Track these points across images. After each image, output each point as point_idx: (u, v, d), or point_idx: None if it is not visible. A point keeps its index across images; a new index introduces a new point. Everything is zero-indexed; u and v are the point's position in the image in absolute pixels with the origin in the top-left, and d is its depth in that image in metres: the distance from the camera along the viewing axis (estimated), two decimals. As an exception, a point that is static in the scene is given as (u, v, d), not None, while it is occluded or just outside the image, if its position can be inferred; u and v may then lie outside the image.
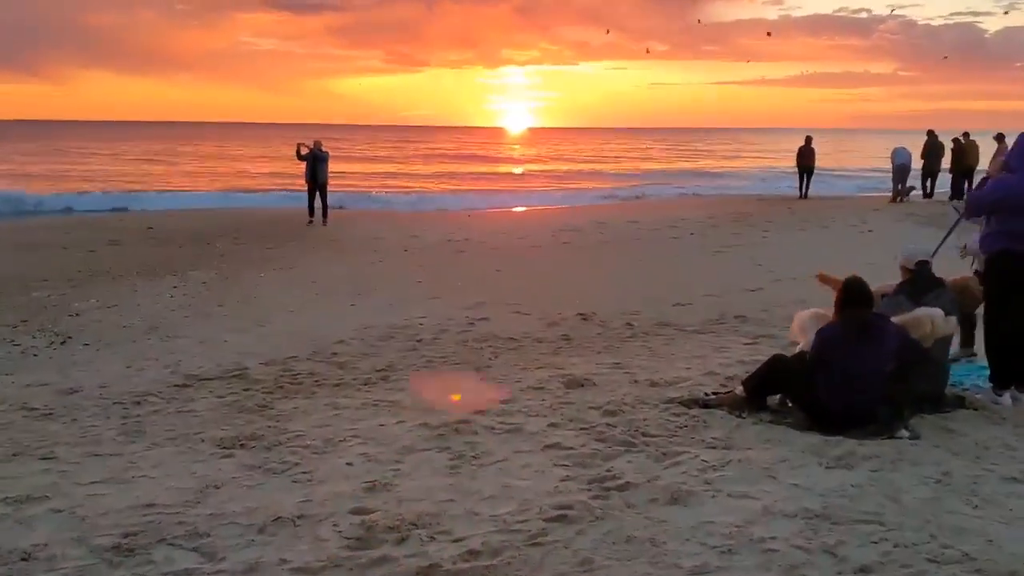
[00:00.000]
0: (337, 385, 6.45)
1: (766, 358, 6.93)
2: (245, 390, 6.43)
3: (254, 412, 5.78)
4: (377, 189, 32.83)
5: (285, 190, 28.57)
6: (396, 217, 21.62)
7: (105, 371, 7.27)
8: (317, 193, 18.45)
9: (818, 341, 5.15)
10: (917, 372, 5.15)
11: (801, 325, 5.80)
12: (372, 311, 9.48)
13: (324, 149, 18.57)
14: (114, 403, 6.14)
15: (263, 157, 53.14)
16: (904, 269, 5.58)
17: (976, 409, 5.28)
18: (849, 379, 4.98)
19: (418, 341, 7.94)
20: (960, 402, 5.34)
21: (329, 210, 18.73)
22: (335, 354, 7.48)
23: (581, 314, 9.01)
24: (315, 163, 18.21)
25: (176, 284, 11.50)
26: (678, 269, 12.31)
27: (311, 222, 18.36)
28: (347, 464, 4.55)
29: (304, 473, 4.46)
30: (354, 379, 6.60)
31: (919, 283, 5.42)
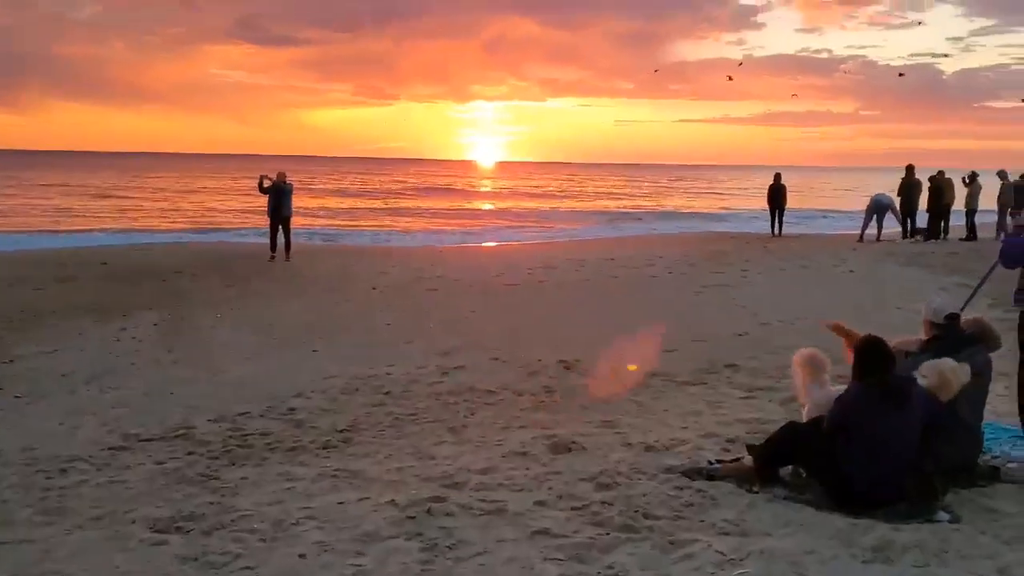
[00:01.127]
0: (292, 449, 5.74)
1: (765, 414, 6.46)
2: (188, 454, 5.71)
3: (196, 483, 5.07)
4: (344, 223, 32.12)
5: (245, 228, 27.70)
6: (364, 252, 20.93)
7: (34, 429, 6.51)
8: (280, 228, 17.70)
9: (838, 407, 4.57)
10: (943, 438, 4.58)
11: (800, 377, 5.21)
12: (335, 358, 8.76)
13: (289, 181, 17.87)
14: (37, 471, 5.40)
15: (228, 190, 52.22)
16: (930, 324, 4.99)
17: (1014, 482, 4.70)
18: (874, 450, 4.40)
19: (385, 394, 7.24)
20: (995, 474, 4.77)
21: (293, 245, 17.98)
22: (292, 410, 6.76)
23: (563, 361, 8.38)
24: (279, 196, 17.48)
25: (125, 326, 10.69)
26: (660, 310, 11.73)
27: (273, 258, 17.58)
28: (299, 556, 3.86)
29: (247, 569, 3.76)
30: (312, 441, 5.89)
31: (949, 341, 4.83)
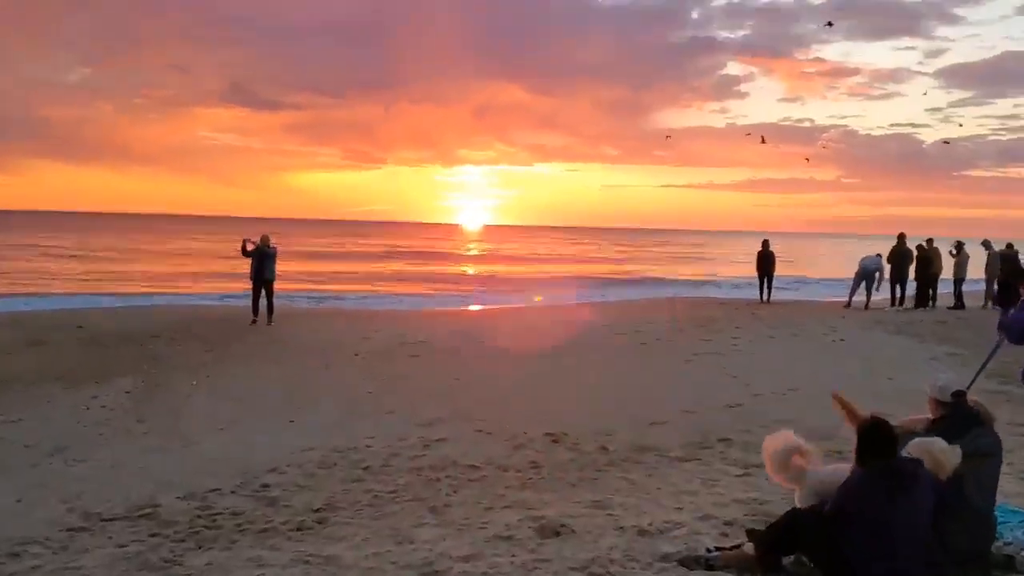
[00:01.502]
0: (263, 531, 5.39)
1: (763, 494, 6.15)
2: (152, 536, 5.37)
3: (158, 569, 4.71)
4: (328, 286, 31.86)
5: (228, 291, 27.33)
6: (347, 316, 20.60)
7: (-11, 507, 6.13)
8: (263, 291, 17.41)
9: (841, 494, 4.29)
10: (948, 516, 4.31)
11: (774, 461, 4.89)
12: (313, 429, 8.43)
13: (272, 245, 17.63)
14: (-15, 556, 5.02)
15: (213, 252, 51.93)
16: (936, 403, 4.75)
17: (1030, 572, 4.42)
18: (880, 537, 4.12)
19: (364, 469, 6.91)
20: (1010, 563, 4.48)
21: (275, 309, 17.67)
22: (265, 486, 6.43)
23: (550, 434, 8.08)
24: (262, 260, 17.22)
25: (96, 394, 10.33)
26: (650, 379, 11.48)
27: (255, 322, 17.24)
28: (263, 659, 3.52)
29: (205, 674, 3.41)
30: (284, 522, 5.55)
31: (957, 419, 4.59)
